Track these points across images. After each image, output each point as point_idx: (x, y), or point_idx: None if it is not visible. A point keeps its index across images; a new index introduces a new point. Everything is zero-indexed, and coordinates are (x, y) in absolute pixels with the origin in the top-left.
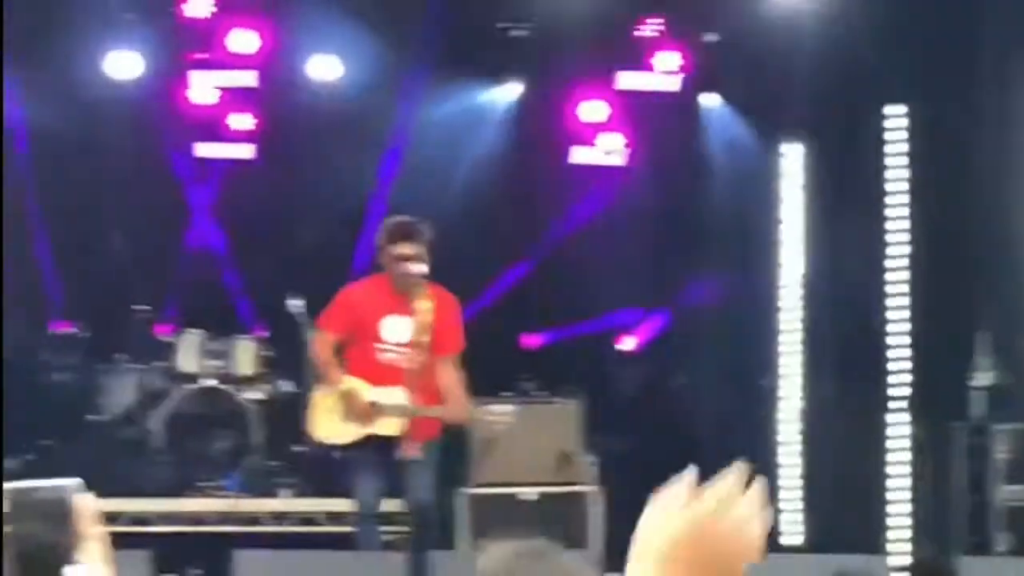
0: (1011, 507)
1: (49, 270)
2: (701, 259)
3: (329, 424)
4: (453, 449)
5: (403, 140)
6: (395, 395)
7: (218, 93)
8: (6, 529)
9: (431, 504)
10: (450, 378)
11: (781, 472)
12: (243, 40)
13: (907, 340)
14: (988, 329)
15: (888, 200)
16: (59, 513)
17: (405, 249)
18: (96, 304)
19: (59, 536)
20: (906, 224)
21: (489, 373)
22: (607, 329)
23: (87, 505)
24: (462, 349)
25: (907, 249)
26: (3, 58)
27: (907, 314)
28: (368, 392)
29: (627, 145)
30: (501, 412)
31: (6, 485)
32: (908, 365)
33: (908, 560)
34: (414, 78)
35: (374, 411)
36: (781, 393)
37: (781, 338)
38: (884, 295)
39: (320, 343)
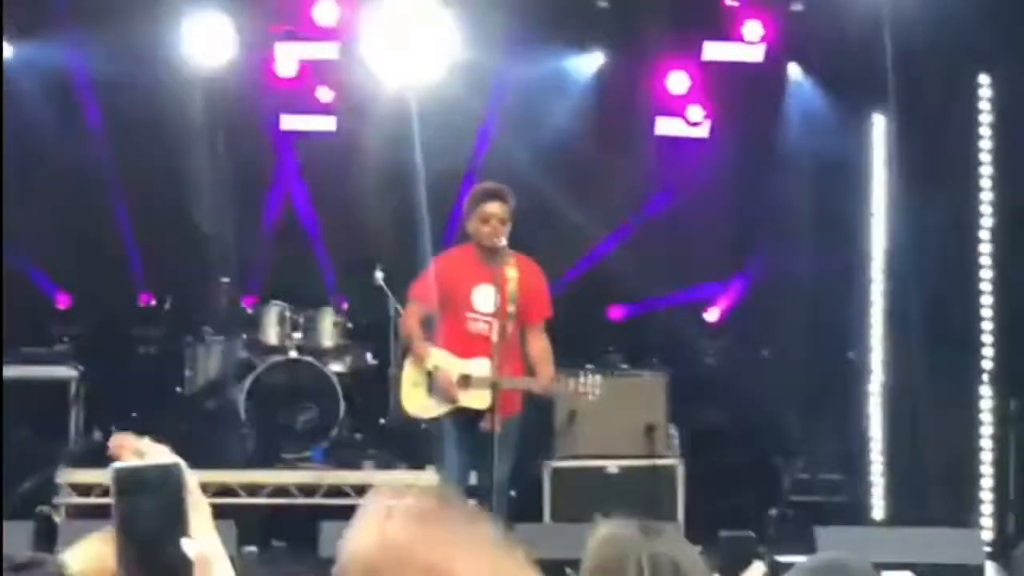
0: None
1: (132, 244)
2: (785, 232)
3: (416, 398)
4: (539, 422)
5: (491, 113)
6: (484, 366)
7: (298, 66)
8: (117, 506)
9: (506, 481)
10: (538, 347)
11: (871, 446)
12: (327, 12)
13: (995, 313)
14: None
15: (975, 171)
16: (171, 489)
17: (490, 208)
18: (181, 277)
19: (174, 511)
20: (991, 196)
21: (576, 346)
22: (693, 301)
23: (194, 480)
24: (549, 317)
25: (993, 221)
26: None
27: (994, 287)
28: (455, 366)
29: (709, 116)
30: (590, 383)
31: (115, 464)
32: (996, 338)
33: (995, 534)
34: (501, 49)
35: (461, 384)
36: (870, 367)
37: (870, 311)
38: (972, 268)
39: (409, 314)
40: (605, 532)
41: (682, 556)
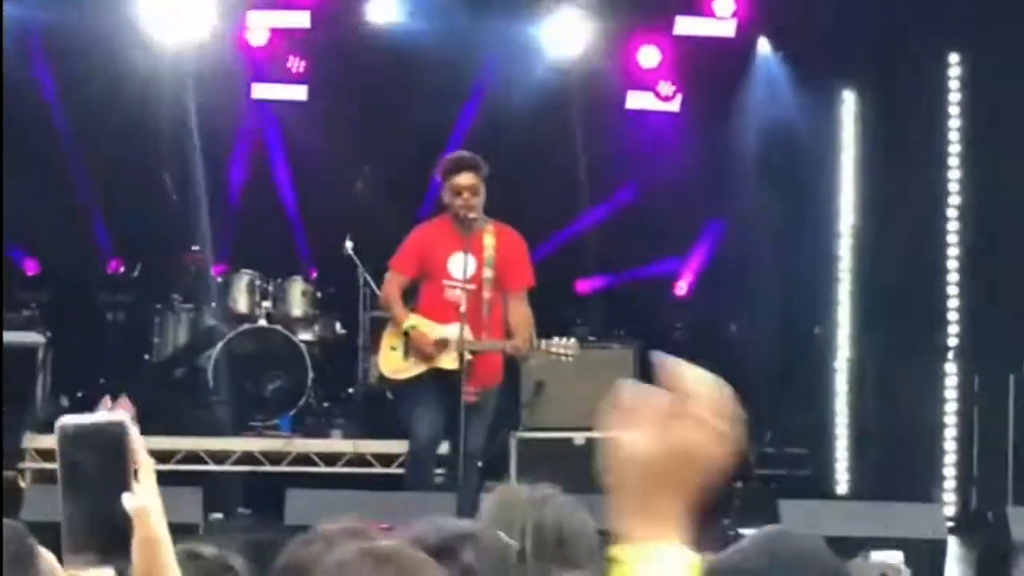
0: None
1: (99, 211)
2: (754, 208)
3: (392, 360)
4: (506, 393)
5: (467, 88)
6: (457, 331)
7: (268, 34)
8: (61, 460)
9: (478, 451)
10: (518, 314)
11: (836, 421)
12: None
13: (960, 290)
14: None
15: (943, 149)
16: (115, 443)
17: (462, 180)
18: (151, 244)
19: (116, 466)
20: (959, 174)
21: (544, 318)
22: (661, 275)
23: (138, 436)
24: (531, 284)
25: (960, 199)
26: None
27: (960, 265)
28: (433, 330)
29: (680, 91)
30: (564, 344)
31: (62, 418)
32: (962, 315)
33: (958, 509)
34: (475, 23)
35: (439, 347)
36: (836, 342)
37: (837, 287)
38: (939, 245)
39: (390, 283)
40: (496, 497)
41: (568, 523)
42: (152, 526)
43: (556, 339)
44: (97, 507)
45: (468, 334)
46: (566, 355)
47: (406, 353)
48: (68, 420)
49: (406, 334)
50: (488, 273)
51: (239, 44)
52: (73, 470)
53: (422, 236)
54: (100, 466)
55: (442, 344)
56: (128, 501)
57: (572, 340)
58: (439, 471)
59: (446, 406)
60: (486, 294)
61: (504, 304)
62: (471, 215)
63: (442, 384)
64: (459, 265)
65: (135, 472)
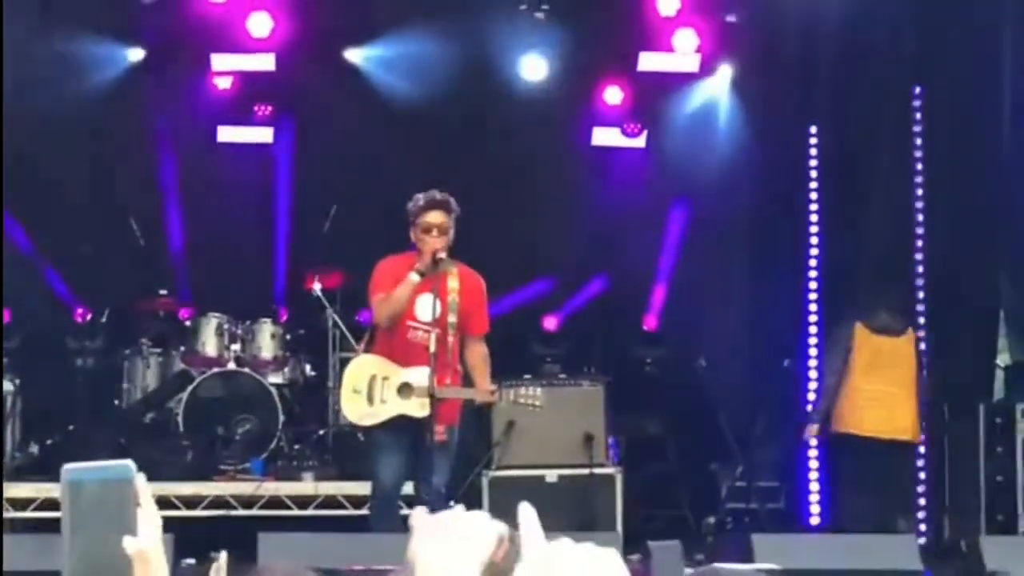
0: None
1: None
2: (723, 243)
3: (356, 406)
4: (477, 431)
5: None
6: (423, 375)
7: (233, 78)
8: (66, 506)
9: (443, 490)
10: (477, 357)
11: (808, 453)
12: (261, 24)
13: (928, 322)
14: (1009, 308)
15: (909, 181)
16: (119, 489)
17: (431, 219)
18: (118, 290)
19: (121, 510)
20: (923, 204)
21: (513, 357)
22: (628, 309)
23: (144, 483)
24: (488, 329)
25: (924, 230)
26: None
27: (928, 297)
28: (395, 374)
29: (644, 127)
30: (531, 394)
31: (67, 465)
32: (930, 345)
33: (931, 539)
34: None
35: (402, 393)
36: (808, 375)
37: (808, 318)
38: (909, 280)
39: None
40: None
41: None
42: (150, 565)
43: (523, 389)
44: (99, 553)
45: (432, 379)
46: (533, 405)
47: (370, 398)
48: (73, 467)
49: (421, 274)
50: (452, 317)
51: (204, 88)
52: (77, 516)
53: (388, 271)
54: (104, 512)
55: (406, 390)
56: (129, 545)
57: (539, 390)
58: (406, 512)
59: (410, 449)
60: (450, 338)
61: (461, 346)
62: (439, 255)
63: (407, 428)
64: (426, 307)
65: (138, 519)
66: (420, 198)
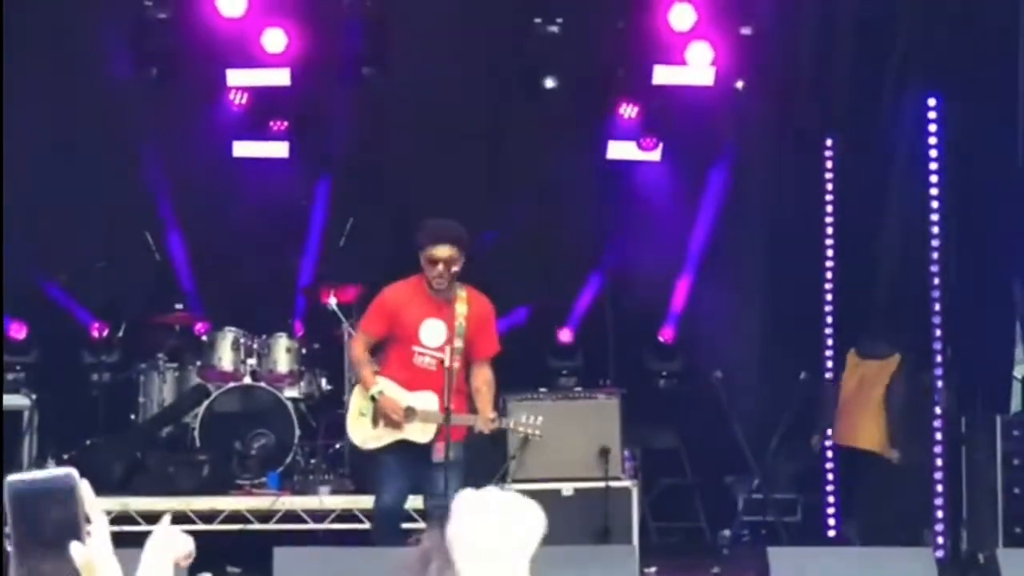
0: None
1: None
2: (739, 254)
3: (360, 428)
4: (493, 444)
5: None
6: (428, 400)
7: (249, 93)
8: (12, 517)
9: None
10: (481, 382)
11: (825, 466)
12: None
13: (944, 332)
14: None
15: (925, 195)
16: (65, 497)
17: (439, 252)
18: (135, 304)
19: (68, 518)
20: (938, 216)
21: (529, 370)
22: (646, 321)
23: (89, 489)
24: (497, 352)
25: (940, 242)
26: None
27: (944, 307)
28: (401, 397)
29: (659, 141)
30: (531, 423)
31: (10, 476)
32: (948, 358)
33: (948, 552)
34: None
35: (407, 416)
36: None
37: (825, 331)
38: (925, 290)
39: (358, 343)
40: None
41: None
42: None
43: (524, 417)
44: (48, 561)
45: (435, 404)
46: (533, 434)
47: (375, 420)
48: (16, 477)
49: (373, 399)
50: (459, 343)
51: (219, 103)
52: (24, 526)
53: (395, 297)
54: (51, 520)
55: (409, 414)
56: (76, 552)
57: (539, 419)
58: (408, 526)
59: (414, 468)
60: (455, 363)
61: (466, 369)
62: (442, 287)
63: (410, 449)
64: (432, 333)
65: (86, 526)
66: (429, 228)
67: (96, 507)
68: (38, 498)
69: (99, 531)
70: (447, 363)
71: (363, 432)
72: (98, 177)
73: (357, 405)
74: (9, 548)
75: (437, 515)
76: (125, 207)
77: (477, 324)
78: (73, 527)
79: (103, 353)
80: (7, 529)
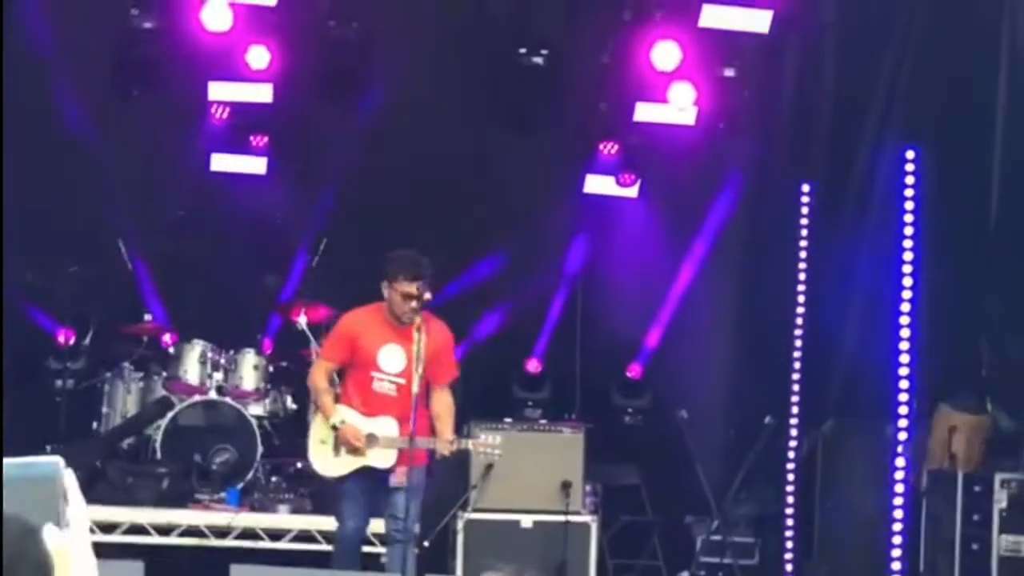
0: (1007, 556)
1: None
2: (710, 294)
3: (322, 455)
4: (455, 473)
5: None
6: (388, 426)
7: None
8: None
9: (413, 528)
10: (442, 407)
11: (784, 511)
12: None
13: (911, 385)
14: (991, 376)
15: (899, 243)
16: (47, 484)
17: (411, 289)
18: (103, 313)
19: (48, 506)
20: (911, 268)
21: (494, 400)
22: (613, 358)
23: (73, 480)
24: (455, 377)
25: (911, 294)
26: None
27: (911, 359)
28: (361, 424)
29: (638, 178)
30: (490, 443)
31: None
32: (913, 409)
33: None
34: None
35: (367, 443)
36: (789, 433)
37: (791, 376)
38: (892, 341)
39: (318, 371)
40: None
41: None
42: (69, 569)
43: (482, 436)
44: (22, 547)
45: (395, 429)
46: (491, 454)
47: (336, 448)
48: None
49: (335, 427)
50: (418, 369)
51: (200, 116)
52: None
53: (354, 323)
54: (31, 508)
55: (372, 440)
56: (49, 536)
57: (498, 438)
58: (382, 550)
59: (374, 494)
60: (415, 388)
61: (427, 395)
62: (414, 321)
63: (371, 475)
64: (390, 359)
65: (65, 515)
66: (406, 262)
67: (79, 499)
68: (20, 484)
69: (78, 523)
70: (414, 389)
71: (324, 460)
72: (73, 183)
73: (318, 433)
74: None
75: (397, 539)
76: (99, 214)
77: (435, 349)
78: (53, 515)
79: (68, 359)
80: None
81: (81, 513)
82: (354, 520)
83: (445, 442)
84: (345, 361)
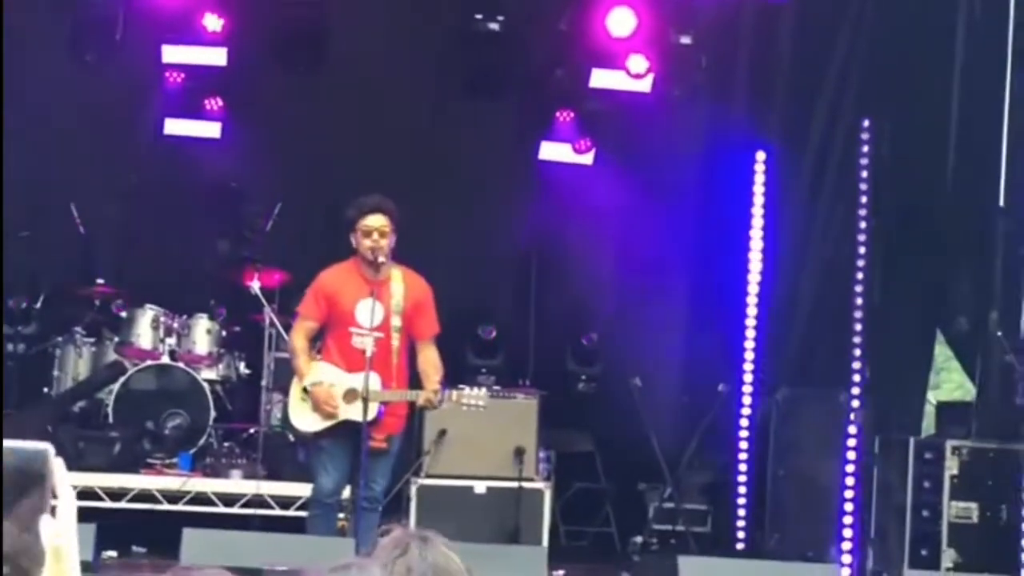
0: (958, 523)
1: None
2: (664, 262)
3: (302, 412)
4: (408, 439)
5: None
6: (371, 382)
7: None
8: None
9: (382, 494)
10: (428, 361)
11: (737, 478)
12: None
13: (863, 352)
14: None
15: (853, 210)
16: (34, 470)
17: (371, 221)
18: (55, 276)
19: (35, 492)
20: (865, 236)
21: (448, 366)
22: (568, 325)
23: (62, 467)
24: (437, 332)
25: (864, 262)
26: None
27: (864, 327)
28: (342, 379)
29: (593, 145)
30: (475, 395)
31: None
32: (864, 376)
33: (854, 570)
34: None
35: (348, 398)
36: (740, 400)
37: (744, 344)
38: (845, 306)
39: (297, 332)
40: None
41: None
42: (64, 560)
43: (467, 389)
44: (8, 538)
45: (377, 384)
46: (476, 406)
47: (314, 407)
48: None
49: (305, 390)
50: (396, 321)
51: (153, 79)
52: None
53: (329, 281)
54: (18, 495)
55: (351, 395)
56: (46, 528)
57: (482, 391)
58: (341, 516)
59: (353, 455)
60: (394, 342)
61: (410, 350)
62: (380, 258)
63: (350, 433)
64: (367, 313)
65: (53, 504)
66: (359, 202)
67: (66, 486)
68: (7, 470)
69: (66, 510)
70: (394, 344)
71: (304, 416)
72: (23, 145)
73: (298, 391)
74: None
75: (365, 507)
76: (50, 178)
77: (415, 303)
78: (41, 503)
79: (19, 324)
80: None
81: (70, 500)
82: (330, 479)
83: (430, 392)
84: (323, 319)
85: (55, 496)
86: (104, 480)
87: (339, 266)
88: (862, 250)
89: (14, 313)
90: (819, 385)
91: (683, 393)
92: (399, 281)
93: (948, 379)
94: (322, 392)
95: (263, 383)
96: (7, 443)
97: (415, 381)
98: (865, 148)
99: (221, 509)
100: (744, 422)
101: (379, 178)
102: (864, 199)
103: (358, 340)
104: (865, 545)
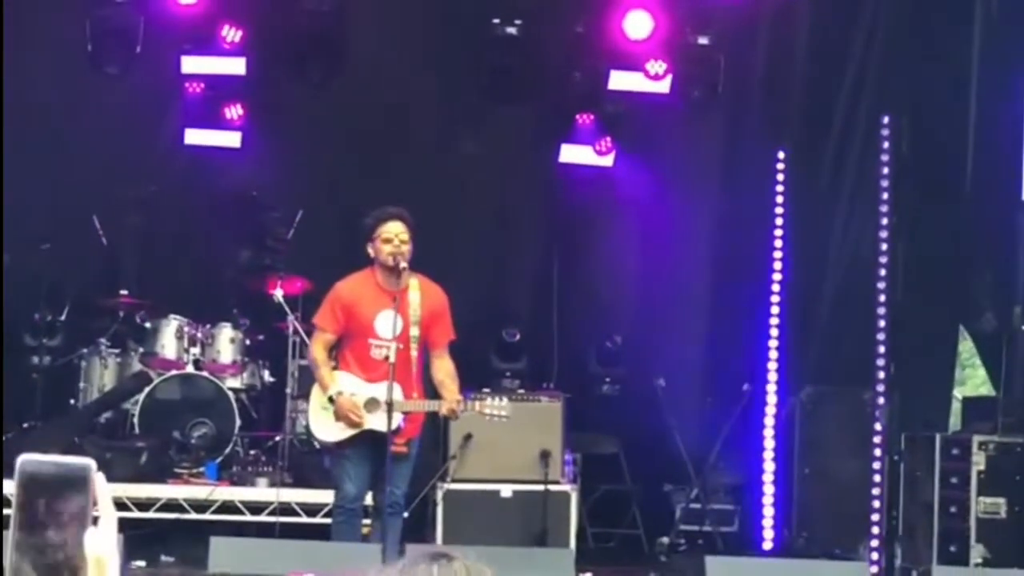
0: (985, 519)
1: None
2: (686, 263)
3: (323, 422)
4: (434, 443)
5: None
6: (392, 392)
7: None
8: (19, 499)
9: (404, 498)
10: (443, 369)
11: (763, 478)
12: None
13: (887, 350)
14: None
15: (874, 211)
16: (77, 486)
17: (391, 228)
18: (79, 288)
19: (77, 508)
20: (886, 234)
21: (472, 370)
22: (592, 327)
23: (104, 483)
24: (453, 339)
25: (888, 259)
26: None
27: (888, 324)
28: (362, 390)
29: (614, 146)
30: (498, 405)
31: (23, 456)
32: (889, 373)
33: (883, 567)
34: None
35: (370, 408)
36: (766, 399)
37: (768, 344)
38: (869, 306)
39: (317, 343)
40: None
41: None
42: (105, 570)
43: (490, 399)
44: (51, 550)
45: (399, 393)
46: (499, 416)
47: (336, 417)
48: (30, 458)
49: (331, 400)
50: (414, 331)
51: (173, 90)
52: (31, 510)
53: (346, 292)
54: (60, 508)
55: (373, 405)
56: (90, 541)
57: (504, 400)
58: (366, 521)
59: (375, 461)
60: (413, 352)
61: (426, 359)
62: (401, 263)
63: (372, 442)
64: (387, 324)
65: (95, 519)
66: (376, 211)
67: (108, 501)
68: (49, 481)
69: (108, 525)
70: (413, 353)
71: (325, 426)
72: (47, 158)
73: (318, 400)
74: (9, 531)
75: (390, 512)
76: (72, 190)
77: (431, 312)
78: (82, 517)
79: (44, 336)
80: (8, 511)
81: (111, 515)
82: (354, 485)
83: (452, 402)
84: (342, 330)
85: (95, 506)
86: (131, 490)
87: (355, 276)
88: (884, 247)
89: (39, 326)
90: (843, 383)
91: (707, 393)
92: (416, 290)
93: (973, 375)
94: (346, 402)
95: (287, 391)
96: (52, 457)
97: (430, 389)
98: (885, 145)
99: (248, 517)
100: (769, 421)
101: (400, 184)
102: (885, 196)
103: (377, 351)
104: (893, 542)
